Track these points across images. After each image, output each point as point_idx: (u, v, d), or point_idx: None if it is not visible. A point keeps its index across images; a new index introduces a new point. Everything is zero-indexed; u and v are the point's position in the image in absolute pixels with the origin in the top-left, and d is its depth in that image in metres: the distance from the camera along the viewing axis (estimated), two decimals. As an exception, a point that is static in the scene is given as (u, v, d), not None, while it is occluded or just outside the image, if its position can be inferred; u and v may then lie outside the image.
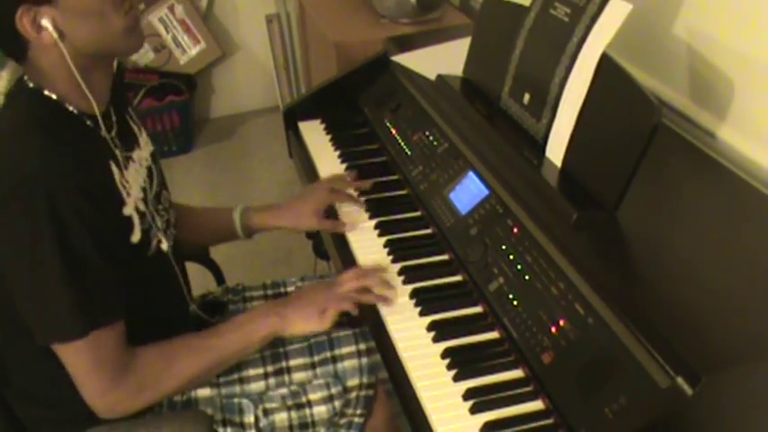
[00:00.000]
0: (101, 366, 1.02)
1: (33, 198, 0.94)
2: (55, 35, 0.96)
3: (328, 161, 1.57)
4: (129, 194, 1.08)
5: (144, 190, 1.14)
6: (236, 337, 1.15)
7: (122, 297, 1.04)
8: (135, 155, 1.14)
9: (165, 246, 1.17)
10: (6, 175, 0.96)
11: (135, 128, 1.19)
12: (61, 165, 0.97)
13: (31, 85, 1.03)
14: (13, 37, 0.96)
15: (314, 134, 1.69)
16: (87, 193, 0.98)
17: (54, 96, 1.03)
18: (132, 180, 1.10)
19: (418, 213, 1.38)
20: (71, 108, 1.04)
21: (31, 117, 1.01)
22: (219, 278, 1.63)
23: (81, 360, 1.02)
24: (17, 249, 0.97)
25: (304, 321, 1.16)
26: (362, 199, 1.43)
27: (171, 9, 3.22)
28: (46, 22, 0.95)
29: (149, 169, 1.18)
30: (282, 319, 1.16)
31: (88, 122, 1.06)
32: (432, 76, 1.52)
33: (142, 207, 1.11)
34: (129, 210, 1.07)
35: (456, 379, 1.03)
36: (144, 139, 1.20)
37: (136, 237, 1.08)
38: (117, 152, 1.09)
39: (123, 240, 1.07)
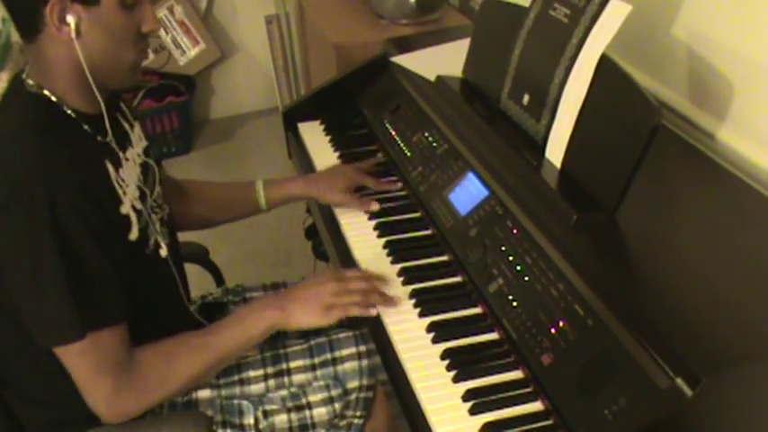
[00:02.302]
0: (103, 370, 1.02)
1: (33, 199, 0.94)
2: (73, 34, 0.97)
3: (328, 162, 1.57)
4: (125, 193, 1.08)
5: (140, 188, 1.14)
6: (237, 331, 1.14)
7: (124, 299, 1.04)
8: (128, 153, 1.14)
9: (163, 252, 1.17)
10: (4, 177, 0.96)
11: (126, 125, 1.18)
12: (59, 165, 0.97)
13: (30, 82, 1.03)
14: (34, 16, 0.97)
15: (313, 135, 1.69)
16: (86, 192, 0.98)
17: (53, 98, 1.03)
18: (128, 178, 1.10)
19: (418, 214, 1.38)
20: (68, 111, 1.04)
21: (28, 119, 1.01)
22: (219, 279, 1.63)
23: (82, 363, 1.02)
24: (17, 251, 0.97)
25: (307, 315, 1.14)
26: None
27: (170, 10, 3.22)
28: (70, 18, 0.96)
29: (143, 166, 1.18)
30: (283, 311, 1.14)
31: (85, 126, 1.05)
32: (431, 77, 1.52)
33: (138, 205, 1.11)
34: (125, 208, 1.07)
35: (456, 380, 1.03)
36: (136, 135, 1.20)
37: (133, 235, 1.08)
38: (113, 152, 1.09)
39: (122, 239, 1.07)
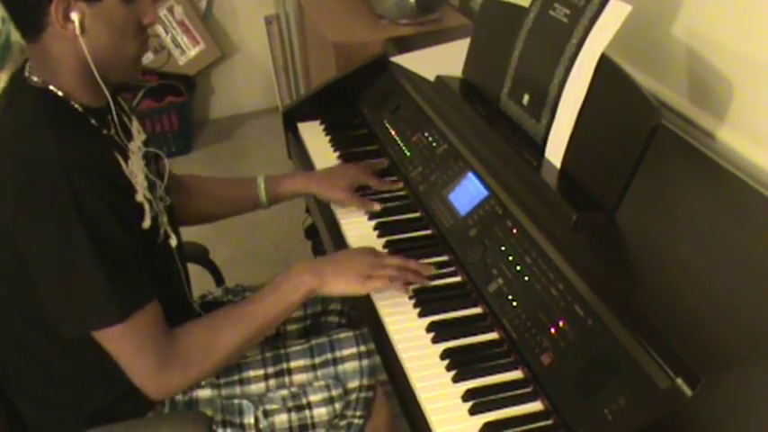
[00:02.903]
0: (146, 348, 1.03)
1: (55, 187, 0.95)
2: (78, 30, 0.98)
3: (327, 162, 1.57)
4: (136, 183, 1.09)
5: (148, 179, 1.14)
6: (276, 299, 1.14)
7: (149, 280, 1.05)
8: (131, 146, 1.15)
9: (173, 241, 1.18)
10: (23, 169, 0.97)
11: (126, 119, 1.19)
12: (77, 156, 0.98)
13: (35, 79, 1.04)
14: (38, 15, 0.98)
15: (313, 135, 1.69)
16: (105, 178, 1.00)
17: (60, 93, 1.04)
18: (136, 170, 1.11)
19: (417, 214, 1.38)
20: (76, 105, 1.05)
21: (38, 113, 1.02)
22: (219, 279, 1.63)
23: (125, 344, 1.03)
24: (44, 241, 0.97)
25: (345, 282, 1.15)
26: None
27: (170, 10, 3.22)
28: (75, 15, 0.97)
29: (146, 158, 1.19)
30: (320, 277, 1.15)
31: (92, 120, 1.07)
32: (431, 77, 1.52)
33: (149, 195, 1.12)
34: (140, 197, 1.08)
35: (455, 380, 1.03)
36: (135, 128, 1.21)
37: (146, 224, 1.09)
38: (119, 145, 1.10)
39: (137, 226, 1.08)
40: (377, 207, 1.39)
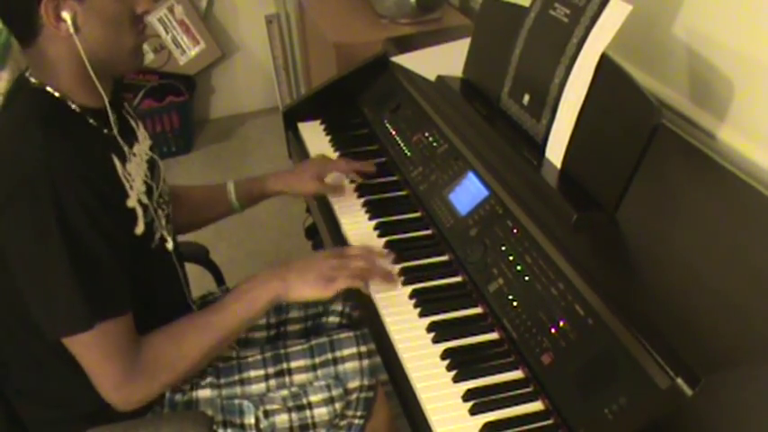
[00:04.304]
0: (112, 358, 1.03)
1: (38, 192, 0.95)
2: (71, 29, 0.97)
3: (328, 162, 1.56)
4: (131, 187, 1.08)
5: (147, 184, 1.14)
6: (241, 306, 1.14)
7: (128, 290, 1.05)
8: (135, 149, 1.14)
9: (170, 245, 1.18)
10: (10, 171, 0.97)
11: (132, 122, 1.19)
12: (64, 158, 0.97)
13: (33, 80, 1.04)
14: (30, 19, 0.97)
15: (313, 135, 1.69)
16: (91, 185, 0.99)
17: (56, 94, 1.03)
18: (134, 173, 1.11)
19: (418, 214, 1.38)
20: (73, 106, 1.04)
21: (33, 113, 1.02)
22: (219, 279, 1.63)
23: (91, 353, 1.02)
24: (24, 244, 0.97)
25: (309, 287, 1.14)
26: (362, 200, 1.43)
27: (170, 10, 3.22)
28: (66, 15, 0.96)
29: (150, 162, 1.19)
30: (285, 282, 1.14)
31: (90, 120, 1.06)
32: (431, 76, 1.52)
33: (145, 200, 1.12)
34: (132, 202, 1.08)
35: (456, 380, 1.03)
36: (141, 132, 1.21)
37: (139, 229, 1.09)
38: (118, 146, 1.09)
39: (127, 232, 1.08)
40: (341, 193, 1.43)
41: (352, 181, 1.48)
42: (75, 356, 1.03)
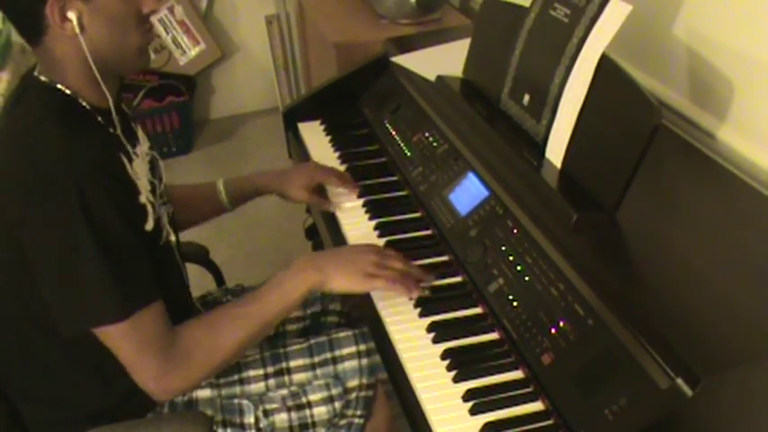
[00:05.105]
0: (149, 348, 1.03)
1: (61, 185, 0.95)
2: (77, 29, 0.98)
3: (328, 162, 1.56)
4: (140, 185, 1.09)
5: (151, 183, 1.14)
6: (278, 296, 1.12)
7: (154, 279, 1.05)
8: (138, 149, 1.15)
9: (173, 237, 1.18)
10: (31, 167, 0.97)
11: (132, 124, 1.19)
12: (84, 152, 0.98)
13: (43, 78, 1.04)
14: (36, 19, 0.97)
15: (313, 135, 1.69)
16: (112, 177, 1.00)
17: (68, 92, 1.04)
18: (140, 172, 1.11)
19: (418, 214, 1.38)
20: (84, 103, 1.05)
21: (46, 110, 1.02)
22: (219, 279, 1.63)
23: (127, 343, 1.02)
24: (50, 240, 0.97)
25: (347, 279, 1.13)
26: (362, 200, 1.43)
27: (170, 10, 3.22)
28: (71, 14, 0.97)
29: (151, 162, 1.19)
30: (322, 273, 1.13)
31: (99, 118, 1.07)
32: (431, 77, 1.52)
33: (151, 198, 1.12)
34: (143, 198, 1.08)
35: (456, 380, 1.03)
36: (141, 134, 1.21)
37: (149, 225, 1.09)
38: (125, 146, 1.10)
39: (141, 228, 1.08)
40: (328, 207, 1.41)
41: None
42: (111, 349, 1.03)
